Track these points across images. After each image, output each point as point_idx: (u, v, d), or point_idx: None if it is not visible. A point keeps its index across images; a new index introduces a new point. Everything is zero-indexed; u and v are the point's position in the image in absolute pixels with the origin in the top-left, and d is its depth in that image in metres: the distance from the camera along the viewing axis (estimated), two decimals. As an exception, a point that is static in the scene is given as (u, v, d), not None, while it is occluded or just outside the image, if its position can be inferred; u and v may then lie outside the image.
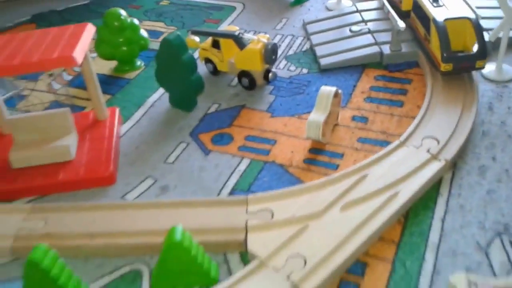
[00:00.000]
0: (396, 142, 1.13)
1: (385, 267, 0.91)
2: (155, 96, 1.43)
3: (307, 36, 1.61)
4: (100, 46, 1.51)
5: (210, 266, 0.90)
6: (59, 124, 1.19)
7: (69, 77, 1.54)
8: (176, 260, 0.86)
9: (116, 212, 1.04)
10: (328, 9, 1.77)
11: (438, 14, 1.29)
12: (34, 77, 1.55)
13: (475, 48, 1.27)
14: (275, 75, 1.39)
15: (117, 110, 1.33)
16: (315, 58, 1.51)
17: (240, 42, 1.36)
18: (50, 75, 1.50)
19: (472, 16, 1.28)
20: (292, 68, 1.49)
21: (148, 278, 0.93)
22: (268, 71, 1.38)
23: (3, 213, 1.05)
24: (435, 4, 1.33)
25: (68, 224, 1.01)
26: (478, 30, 1.26)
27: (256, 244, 0.93)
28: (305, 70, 1.47)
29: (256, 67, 1.35)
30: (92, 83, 1.25)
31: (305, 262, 0.88)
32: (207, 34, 1.44)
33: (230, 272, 0.92)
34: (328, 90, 1.19)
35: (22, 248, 0.98)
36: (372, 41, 1.49)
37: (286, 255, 0.90)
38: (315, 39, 1.57)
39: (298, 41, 1.61)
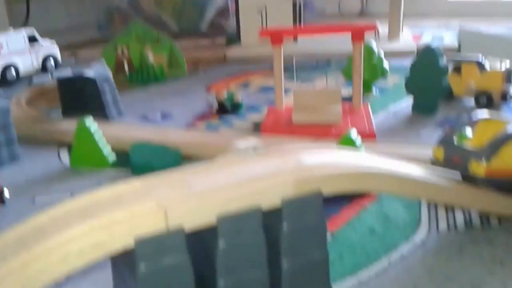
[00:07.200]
0: None
1: None
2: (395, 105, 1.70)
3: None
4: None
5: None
6: (332, 97, 1.50)
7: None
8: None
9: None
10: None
11: None
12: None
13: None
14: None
15: (368, 104, 1.60)
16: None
17: (482, 66, 1.60)
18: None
19: None
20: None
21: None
22: (505, 92, 1.56)
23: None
24: None
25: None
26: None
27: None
28: (537, 99, 1.62)
29: (496, 87, 1.56)
30: (357, 80, 1.55)
31: None
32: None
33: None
34: None
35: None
36: None
37: None
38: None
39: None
